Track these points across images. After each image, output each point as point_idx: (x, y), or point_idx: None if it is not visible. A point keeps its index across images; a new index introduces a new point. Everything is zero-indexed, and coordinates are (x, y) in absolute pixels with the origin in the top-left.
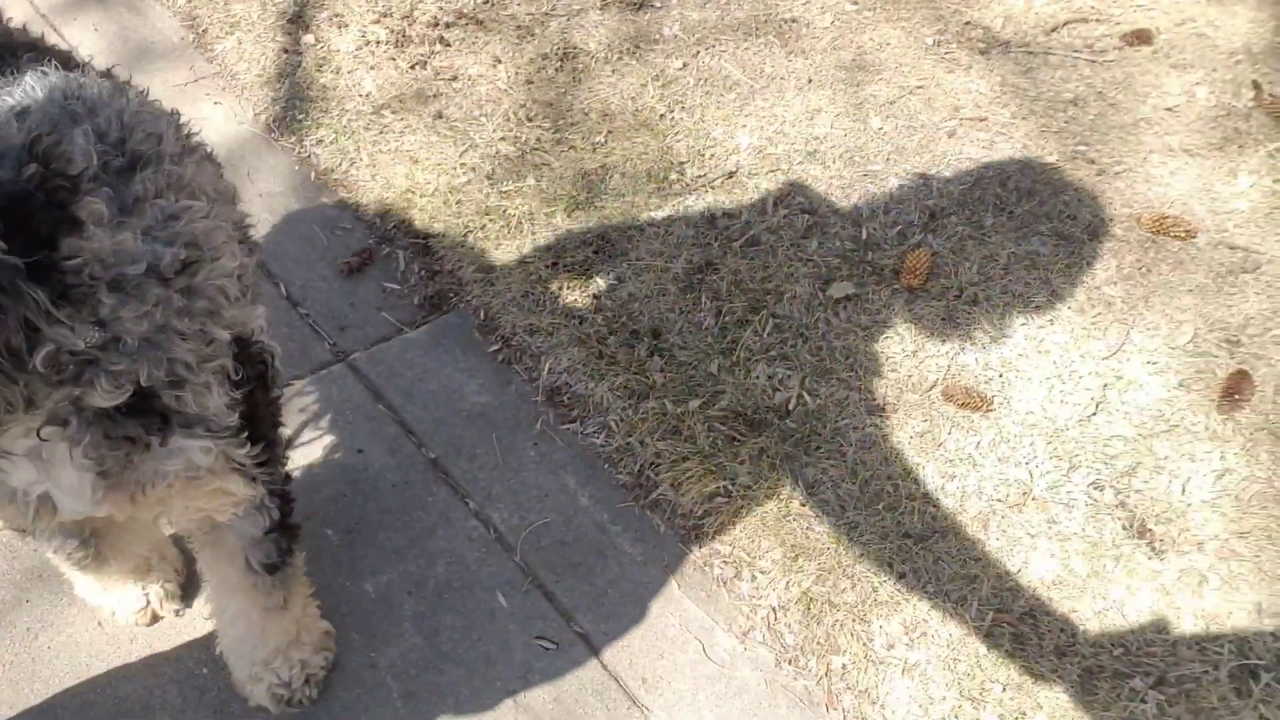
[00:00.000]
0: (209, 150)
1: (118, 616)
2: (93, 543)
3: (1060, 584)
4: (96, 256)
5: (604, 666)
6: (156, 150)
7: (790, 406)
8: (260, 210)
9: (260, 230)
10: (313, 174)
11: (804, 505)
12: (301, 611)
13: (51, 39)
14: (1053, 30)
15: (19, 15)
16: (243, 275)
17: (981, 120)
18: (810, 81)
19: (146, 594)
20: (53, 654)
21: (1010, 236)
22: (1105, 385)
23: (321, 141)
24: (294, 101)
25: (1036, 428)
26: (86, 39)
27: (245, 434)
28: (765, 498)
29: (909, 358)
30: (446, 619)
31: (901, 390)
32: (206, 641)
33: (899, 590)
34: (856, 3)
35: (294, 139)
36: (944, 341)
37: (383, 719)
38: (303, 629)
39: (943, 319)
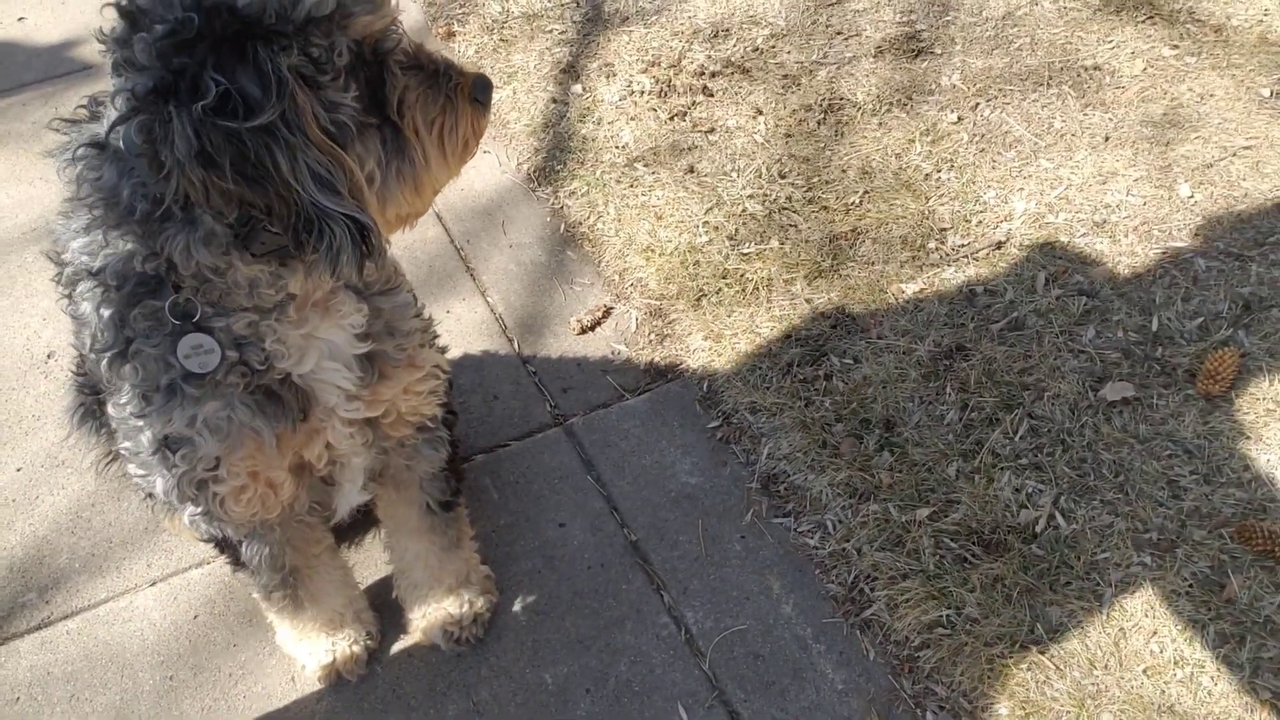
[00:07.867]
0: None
1: (306, 670)
2: (291, 582)
3: None
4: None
5: None
6: None
7: (1038, 529)
8: (508, 262)
9: (504, 284)
10: (562, 226)
11: (1043, 654)
12: (469, 553)
13: None
14: None
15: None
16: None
17: None
18: (1107, 139)
19: (334, 652)
20: (247, 703)
21: None
22: None
23: (574, 193)
24: (555, 152)
25: None
26: None
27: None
28: (996, 637)
29: (1199, 483)
30: None
31: (1185, 523)
32: (390, 706)
33: None
34: (1177, 47)
35: (550, 189)
36: (1246, 467)
37: None
38: (470, 569)
39: (1247, 438)
